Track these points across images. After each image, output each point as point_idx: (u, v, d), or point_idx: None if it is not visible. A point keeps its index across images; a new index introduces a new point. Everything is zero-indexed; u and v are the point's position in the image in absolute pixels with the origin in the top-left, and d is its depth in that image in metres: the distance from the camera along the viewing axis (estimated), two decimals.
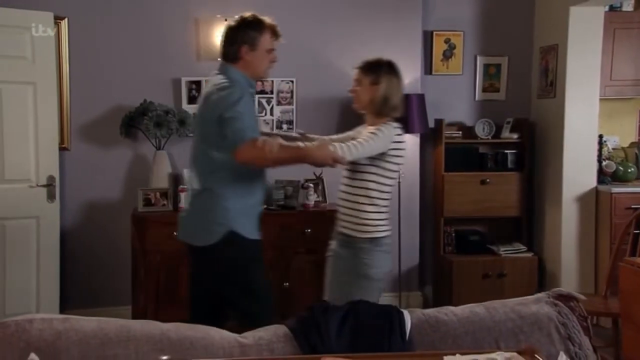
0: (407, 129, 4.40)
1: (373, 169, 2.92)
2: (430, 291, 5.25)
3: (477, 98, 5.27)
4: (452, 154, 4.98)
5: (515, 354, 1.62)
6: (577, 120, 4.83)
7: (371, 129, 2.93)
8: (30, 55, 4.25)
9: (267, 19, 2.95)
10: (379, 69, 2.98)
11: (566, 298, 2.09)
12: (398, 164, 2.99)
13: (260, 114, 4.77)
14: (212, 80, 2.96)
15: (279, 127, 4.84)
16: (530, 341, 1.90)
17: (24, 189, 4.26)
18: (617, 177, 4.95)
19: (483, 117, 5.12)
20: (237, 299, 2.95)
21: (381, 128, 2.90)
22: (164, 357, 1.52)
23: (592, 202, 4.85)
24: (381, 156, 2.90)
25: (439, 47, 5.17)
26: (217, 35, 4.70)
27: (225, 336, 1.88)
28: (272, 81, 4.83)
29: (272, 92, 4.87)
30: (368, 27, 4.94)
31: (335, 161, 2.79)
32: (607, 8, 4.89)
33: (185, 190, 3.81)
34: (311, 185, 4.69)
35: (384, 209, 2.98)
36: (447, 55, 5.19)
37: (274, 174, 4.31)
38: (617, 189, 4.74)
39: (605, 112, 5.05)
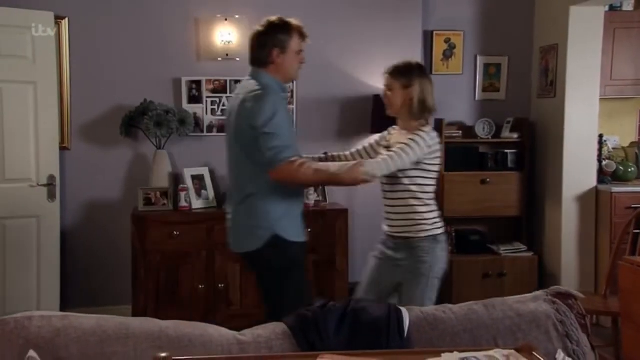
0: None
1: (413, 172, 2.94)
2: None
3: (477, 98, 5.27)
4: (452, 154, 4.97)
5: (513, 351, 1.62)
6: (577, 120, 4.83)
7: (404, 138, 2.93)
8: (31, 55, 4.27)
9: (294, 21, 2.96)
10: (410, 72, 3.00)
11: (564, 296, 2.09)
12: (437, 164, 3.01)
13: None
14: (244, 85, 2.93)
15: None
16: (528, 339, 1.90)
17: (24, 188, 4.27)
18: (617, 177, 4.95)
19: (483, 116, 5.12)
20: (279, 303, 2.92)
21: (415, 138, 2.89)
22: (163, 355, 1.52)
23: (592, 202, 4.86)
24: (418, 164, 2.92)
25: (439, 46, 5.17)
26: (217, 35, 4.72)
27: (224, 333, 1.88)
28: None
29: None
30: (368, 27, 4.95)
31: (365, 182, 2.85)
32: (607, 8, 4.89)
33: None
34: None
35: (434, 207, 3.01)
36: (447, 55, 5.19)
37: None
38: (617, 189, 4.74)
39: (606, 111, 5.05)
